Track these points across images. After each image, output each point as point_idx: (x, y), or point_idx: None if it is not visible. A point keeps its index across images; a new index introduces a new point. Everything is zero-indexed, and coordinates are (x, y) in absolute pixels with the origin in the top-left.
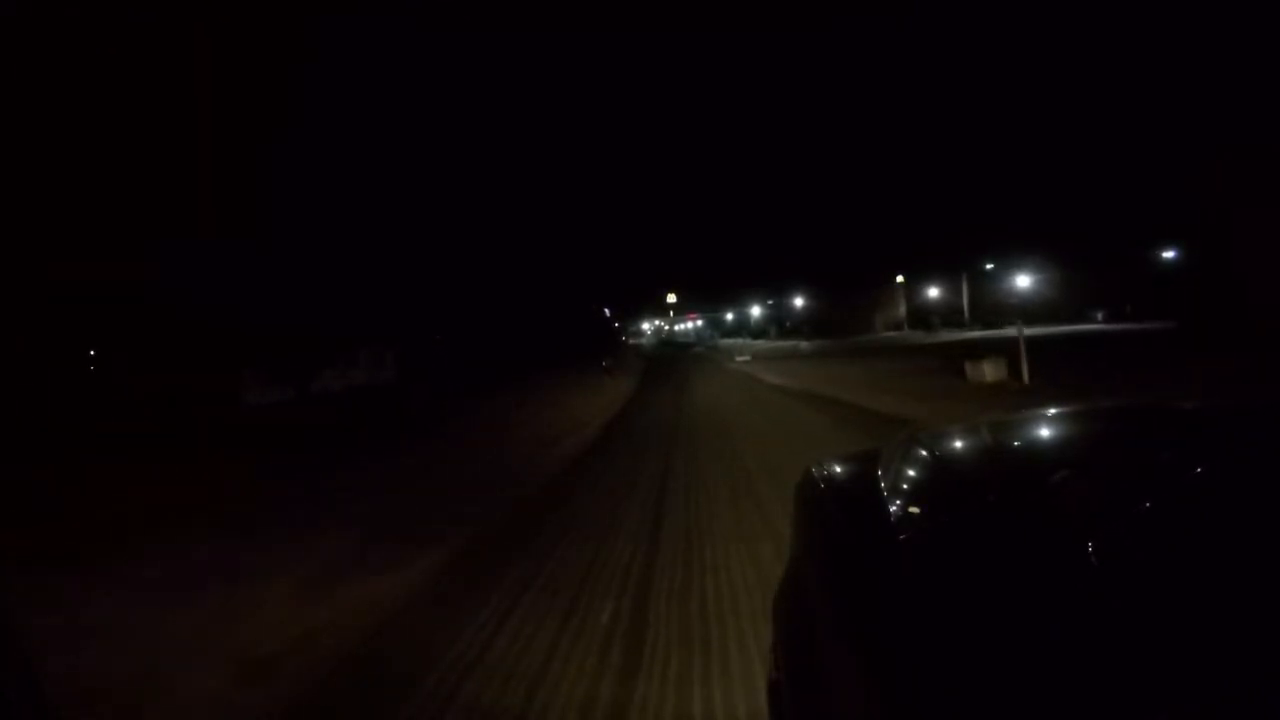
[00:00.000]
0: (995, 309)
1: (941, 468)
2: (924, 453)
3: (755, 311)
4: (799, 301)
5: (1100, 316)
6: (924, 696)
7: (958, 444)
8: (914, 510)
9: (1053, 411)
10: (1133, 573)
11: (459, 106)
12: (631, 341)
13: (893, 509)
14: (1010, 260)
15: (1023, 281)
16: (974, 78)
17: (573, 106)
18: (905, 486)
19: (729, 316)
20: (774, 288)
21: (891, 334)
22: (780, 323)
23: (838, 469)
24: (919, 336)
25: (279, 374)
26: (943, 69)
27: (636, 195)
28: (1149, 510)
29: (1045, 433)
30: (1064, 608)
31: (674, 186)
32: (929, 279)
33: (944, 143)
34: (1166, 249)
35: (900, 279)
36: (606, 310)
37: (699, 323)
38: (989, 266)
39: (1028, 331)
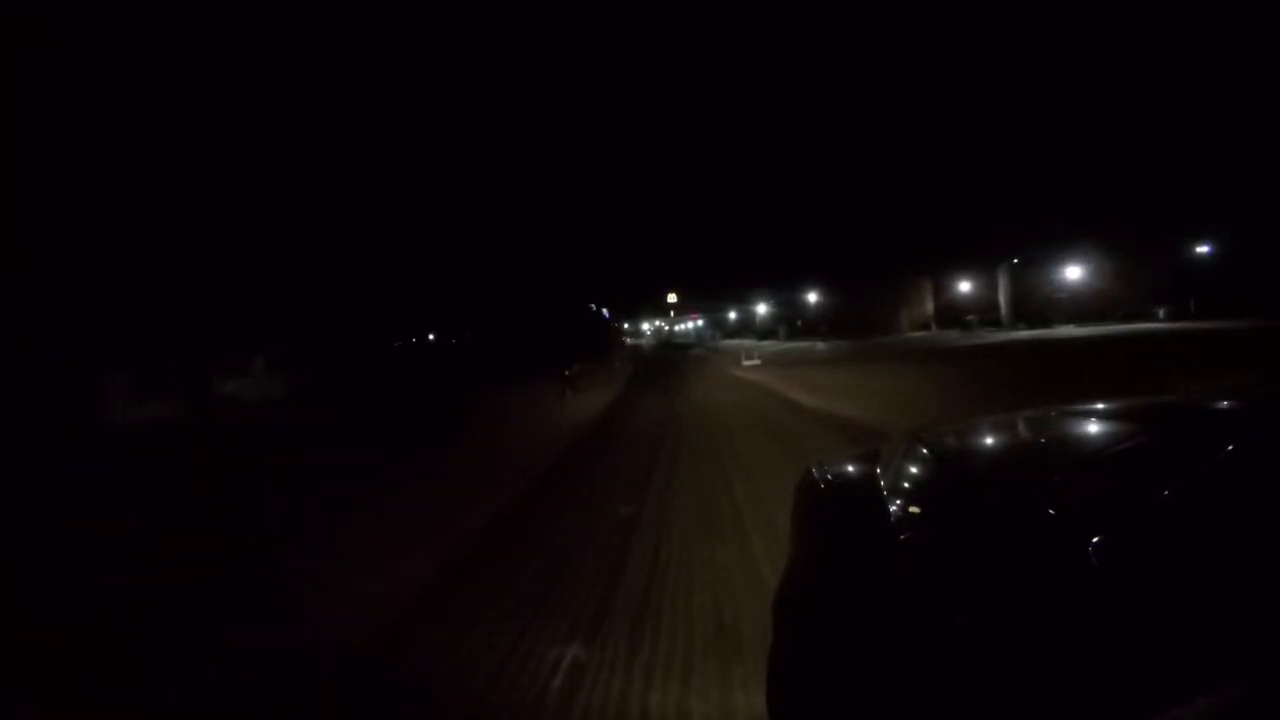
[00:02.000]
0: (1043, 306)
1: (942, 467)
2: (925, 451)
3: (761, 309)
4: (812, 298)
5: (1161, 314)
6: (925, 695)
7: (958, 443)
8: (914, 510)
9: (1053, 411)
10: (1133, 573)
11: (452, 101)
12: (630, 342)
13: (893, 509)
14: (1053, 252)
15: (1072, 274)
16: (1011, 49)
17: (569, 97)
18: (906, 486)
19: (732, 315)
20: (782, 284)
21: (920, 334)
22: (790, 321)
23: (838, 469)
24: (954, 337)
25: (161, 382)
26: (974, 42)
27: (635, 189)
28: (1149, 510)
29: (1045, 432)
30: (1064, 608)
31: (674, 177)
32: (960, 273)
33: (975, 123)
34: (1209, 241)
35: (914, 275)
36: (605, 311)
37: (699, 322)
38: (1027, 259)
39: (1081, 332)
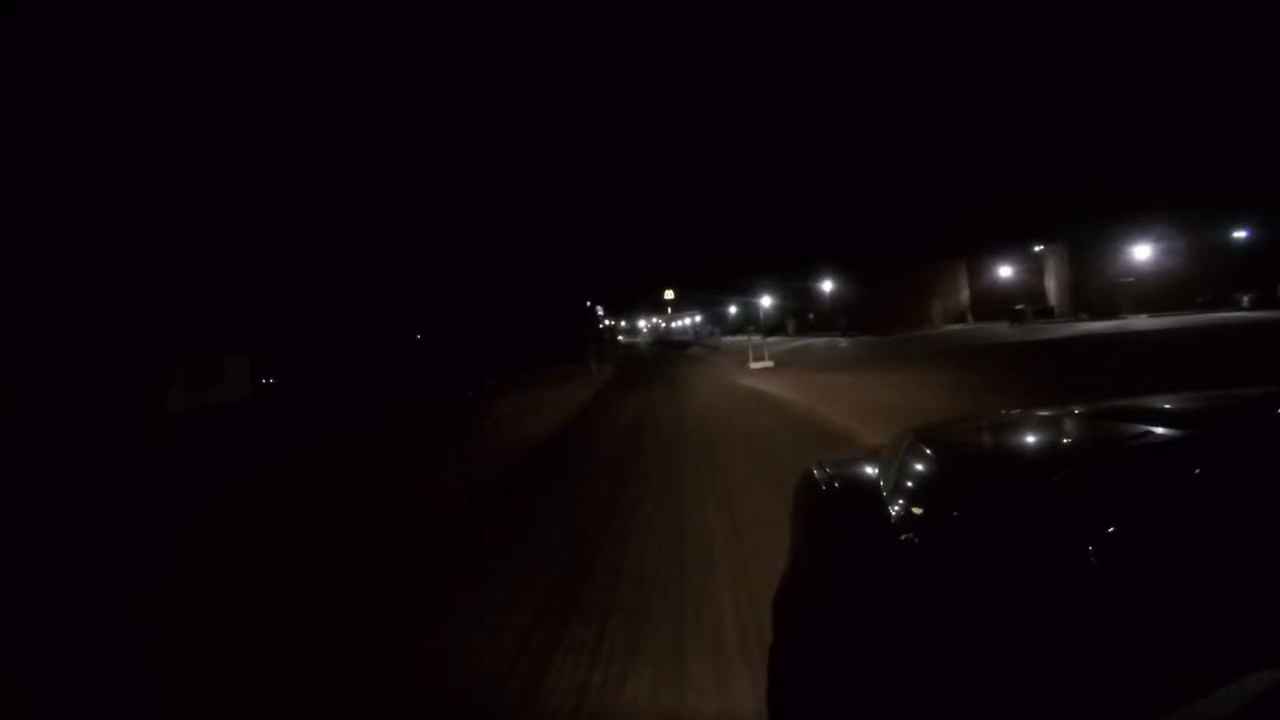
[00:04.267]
0: (1106, 292)
1: (942, 467)
2: (926, 450)
3: (766, 302)
4: (826, 287)
5: (1245, 301)
6: (925, 695)
7: (958, 443)
8: (915, 510)
9: (1054, 411)
10: (1133, 573)
11: (450, 95)
12: (625, 340)
13: (893, 509)
14: (1116, 231)
15: (1140, 255)
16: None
17: (564, 81)
18: (906, 485)
19: (732, 310)
20: (791, 272)
21: (957, 327)
22: (800, 314)
23: (838, 469)
24: (1006, 331)
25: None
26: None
27: (635, 179)
28: (1150, 510)
29: (1047, 432)
30: (1064, 608)
31: (674, 163)
32: (1001, 256)
33: (1014, 82)
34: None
35: (948, 258)
36: (600, 309)
37: (697, 318)
38: (1084, 239)
39: (1163, 323)
